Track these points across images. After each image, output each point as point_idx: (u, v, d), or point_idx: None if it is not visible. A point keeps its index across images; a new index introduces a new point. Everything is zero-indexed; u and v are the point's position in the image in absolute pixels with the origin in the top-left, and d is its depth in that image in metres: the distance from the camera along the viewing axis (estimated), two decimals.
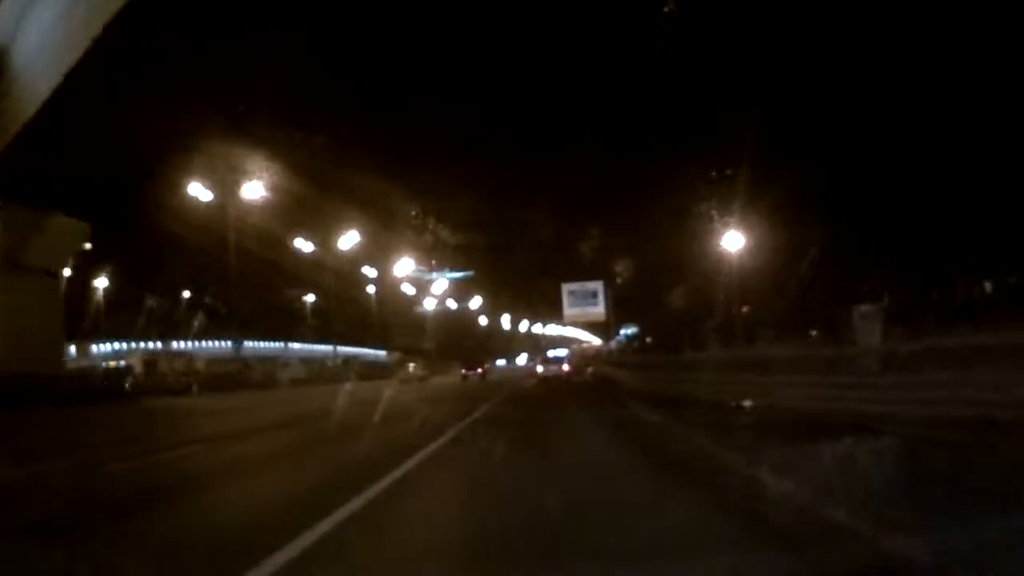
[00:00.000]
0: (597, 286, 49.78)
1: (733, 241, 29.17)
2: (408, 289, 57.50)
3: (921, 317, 18.27)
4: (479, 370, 53.20)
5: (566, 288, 50.34)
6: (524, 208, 40.41)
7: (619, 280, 45.39)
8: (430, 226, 45.71)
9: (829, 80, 20.45)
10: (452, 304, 65.22)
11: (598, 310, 50.34)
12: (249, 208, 27.22)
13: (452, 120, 31.05)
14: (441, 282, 55.97)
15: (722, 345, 26.97)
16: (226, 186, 25.91)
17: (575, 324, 68.07)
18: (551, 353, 65.85)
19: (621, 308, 50.14)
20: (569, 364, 50.80)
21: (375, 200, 36.59)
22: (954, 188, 19.71)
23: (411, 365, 53.32)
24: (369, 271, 50.67)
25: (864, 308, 19.70)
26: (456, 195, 38.72)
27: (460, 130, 32.12)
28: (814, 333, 25.78)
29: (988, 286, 22.86)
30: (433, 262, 50.70)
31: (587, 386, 34.76)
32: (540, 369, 46.67)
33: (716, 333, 29.35)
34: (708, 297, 30.84)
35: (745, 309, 30.66)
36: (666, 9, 19.50)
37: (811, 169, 21.50)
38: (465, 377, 50.77)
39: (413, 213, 43.86)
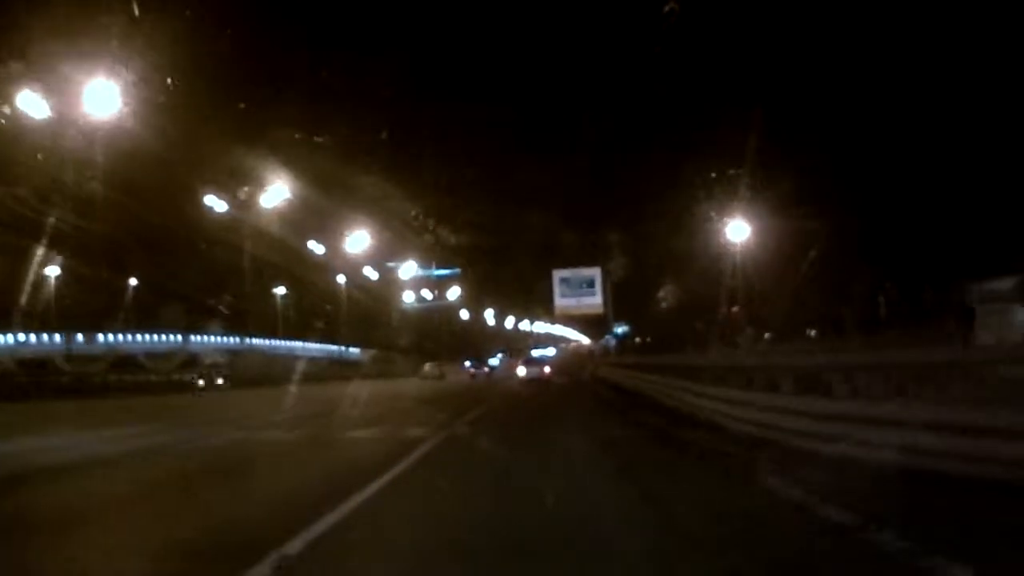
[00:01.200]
0: (594, 273, 43.18)
1: (738, 231, 27.43)
2: (370, 272, 50.87)
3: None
4: (485, 369, 54.98)
5: (558, 275, 43.64)
6: (520, 204, 39.95)
7: (613, 278, 42.66)
8: (430, 228, 45.29)
9: (834, 79, 20.73)
10: (427, 294, 58.96)
11: (595, 301, 43.63)
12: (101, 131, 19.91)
13: (451, 117, 31.46)
14: (409, 267, 49.46)
15: (724, 344, 25.07)
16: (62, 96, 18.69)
17: (567, 319, 61.75)
18: (535, 353, 63.82)
19: (619, 303, 44.09)
20: (552, 366, 46.23)
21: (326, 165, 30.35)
22: (954, 191, 19.61)
23: (428, 364, 55.40)
24: (317, 247, 43.35)
25: (993, 286, 13.60)
26: (452, 192, 38.30)
27: (459, 127, 32.57)
28: (812, 332, 25.79)
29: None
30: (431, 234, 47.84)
31: (603, 402, 22.84)
32: (522, 371, 41.35)
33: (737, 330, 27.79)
34: (711, 293, 29.72)
35: (735, 309, 30.16)
36: (666, 9, 19.58)
37: (811, 165, 21.18)
38: (473, 376, 51.59)
39: (413, 214, 43.03)
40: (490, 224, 43.10)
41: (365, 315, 61.15)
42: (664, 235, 33.75)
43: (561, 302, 44.75)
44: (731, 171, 25.94)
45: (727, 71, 23.87)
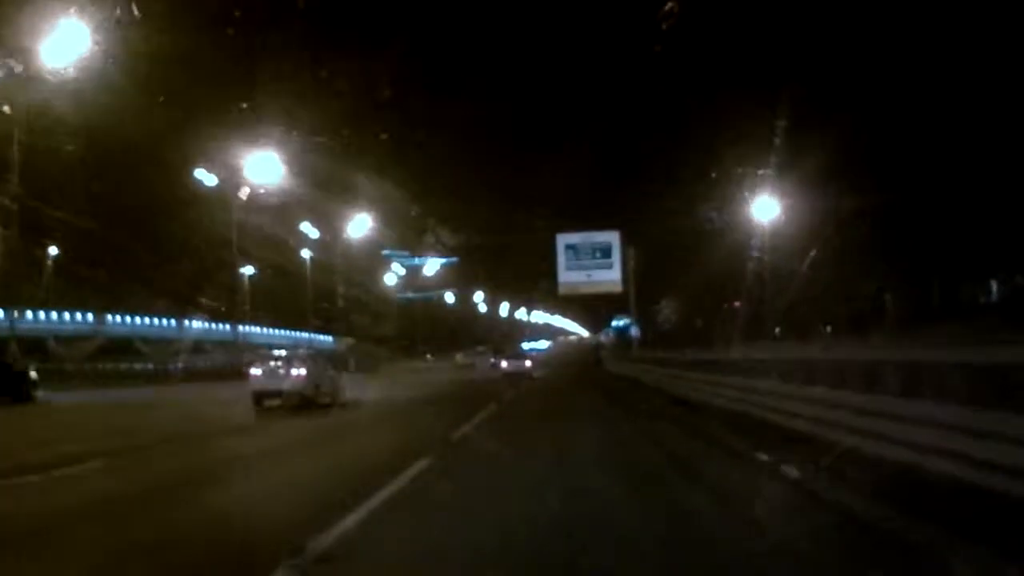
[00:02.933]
0: (611, 238, 33.33)
1: (765, 209, 24.66)
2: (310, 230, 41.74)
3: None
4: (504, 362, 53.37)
5: (563, 241, 33.71)
6: (524, 203, 40.32)
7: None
8: (430, 227, 44.83)
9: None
10: (399, 269, 50.84)
11: (611, 276, 33.65)
12: None
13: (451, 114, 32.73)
14: (361, 221, 40.61)
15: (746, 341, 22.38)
16: None
17: (572, 299, 52.46)
18: (526, 346, 62.13)
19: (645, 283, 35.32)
20: (545, 362, 44.07)
21: None
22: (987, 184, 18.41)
23: (459, 355, 57.03)
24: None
25: None
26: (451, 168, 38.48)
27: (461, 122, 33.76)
28: (829, 329, 23.94)
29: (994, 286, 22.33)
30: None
31: None
32: (504, 365, 38.73)
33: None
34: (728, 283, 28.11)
35: (737, 304, 29.53)
36: (667, 8, 18.93)
37: (838, 146, 19.60)
38: (495, 366, 50.18)
39: (413, 213, 42.62)
40: (490, 208, 41.61)
41: (329, 297, 53.06)
42: (684, 219, 30.78)
43: (567, 277, 34.45)
44: (758, 145, 23.28)
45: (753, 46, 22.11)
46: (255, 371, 17.58)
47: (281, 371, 17.27)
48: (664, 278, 35.11)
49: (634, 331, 35.01)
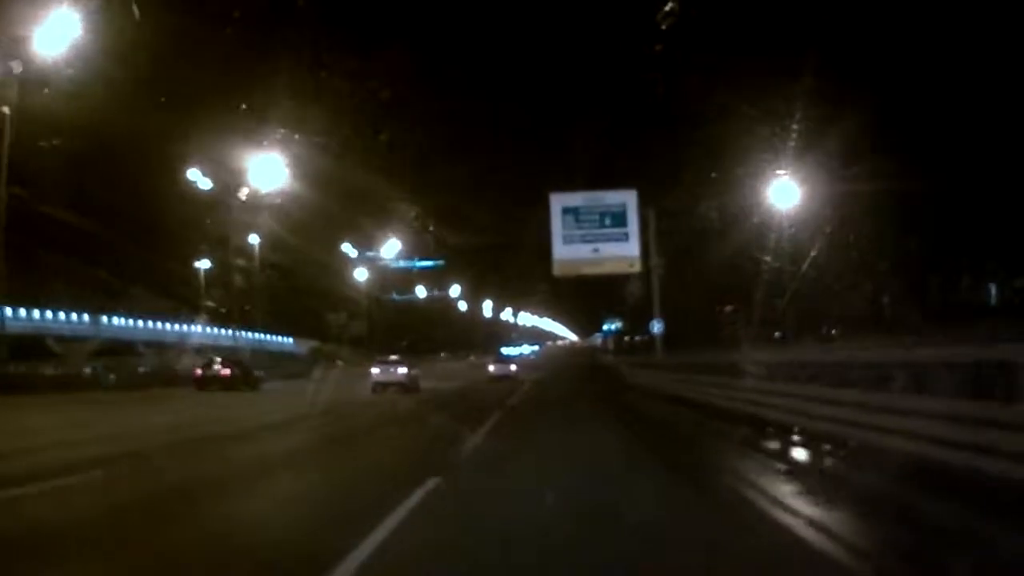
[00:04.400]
0: (625, 199, 25.22)
1: (784, 194, 22.10)
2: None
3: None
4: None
5: (558, 203, 25.35)
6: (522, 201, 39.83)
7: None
8: (430, 228, 45.04)
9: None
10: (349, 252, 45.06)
11: (626, 252, 25.42)
12: None
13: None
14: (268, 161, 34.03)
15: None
16: None
17: (566, 295, 45.82)
18: (506, 351, 64.66)
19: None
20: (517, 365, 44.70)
21: None
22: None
23: (472, 357, 59.84)
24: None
25: None
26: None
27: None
28: (834, 332, 23.37)
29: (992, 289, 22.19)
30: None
31: None
32: (491, 369, 41.99)
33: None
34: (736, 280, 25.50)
35: (729, 308, 29.07)
36: (668, 7, 18.98)
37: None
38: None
39: (413, 215, 43.55)
40: (484, 207, 42.08)
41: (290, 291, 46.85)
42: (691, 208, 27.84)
43: (564, 252, 25.68)
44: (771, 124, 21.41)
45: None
46: (375, 369, 27.49)
47: (391, 369, 27.46)
48: (683, 271, 29.41)
49: (657, 328, 26.77)
